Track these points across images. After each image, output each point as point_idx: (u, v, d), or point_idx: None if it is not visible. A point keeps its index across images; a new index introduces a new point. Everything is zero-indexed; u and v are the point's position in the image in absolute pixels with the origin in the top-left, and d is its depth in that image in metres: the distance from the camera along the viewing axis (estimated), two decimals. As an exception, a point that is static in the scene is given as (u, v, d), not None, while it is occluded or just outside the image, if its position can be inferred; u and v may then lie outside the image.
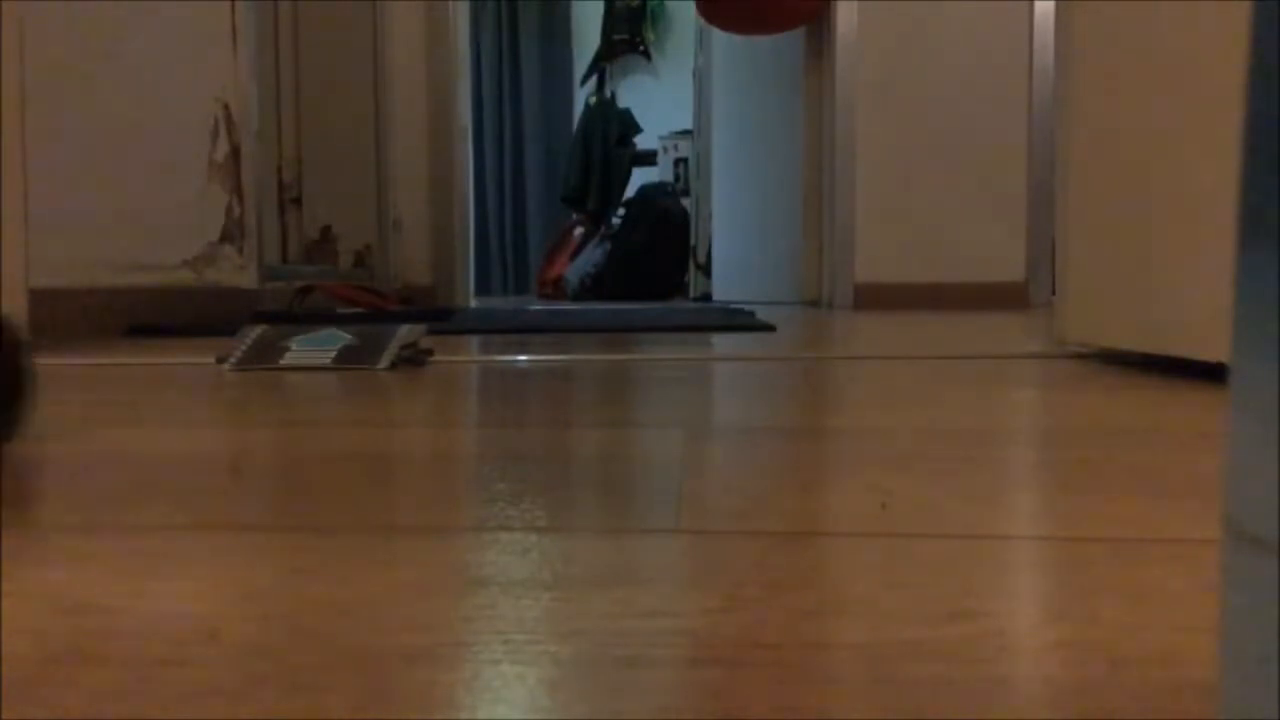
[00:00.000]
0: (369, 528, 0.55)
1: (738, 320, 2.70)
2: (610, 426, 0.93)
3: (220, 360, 1.54)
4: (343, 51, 3.81)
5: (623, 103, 6.71)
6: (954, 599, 0.42)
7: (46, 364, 1.63)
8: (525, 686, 0.33)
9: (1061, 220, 1.56)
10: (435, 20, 3.97)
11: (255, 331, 1.59)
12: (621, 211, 6.13)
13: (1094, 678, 0.33)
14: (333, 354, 1.51)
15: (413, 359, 1.53)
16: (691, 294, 5.53)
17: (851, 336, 2.32)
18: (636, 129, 6.55)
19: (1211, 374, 1.20)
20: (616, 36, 6.96)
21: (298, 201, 3.82)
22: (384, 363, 1.49)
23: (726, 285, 4.92)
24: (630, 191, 6.21)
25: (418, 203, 3.99)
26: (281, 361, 1.51)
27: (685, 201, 5.75)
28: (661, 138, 6.26)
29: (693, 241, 5.52)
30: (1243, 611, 0.18)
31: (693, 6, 4.41)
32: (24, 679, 0.34)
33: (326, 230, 3.87)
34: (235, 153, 2.87)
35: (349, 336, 1.56)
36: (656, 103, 6.68)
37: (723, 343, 2.05)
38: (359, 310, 2.94)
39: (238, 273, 2.88)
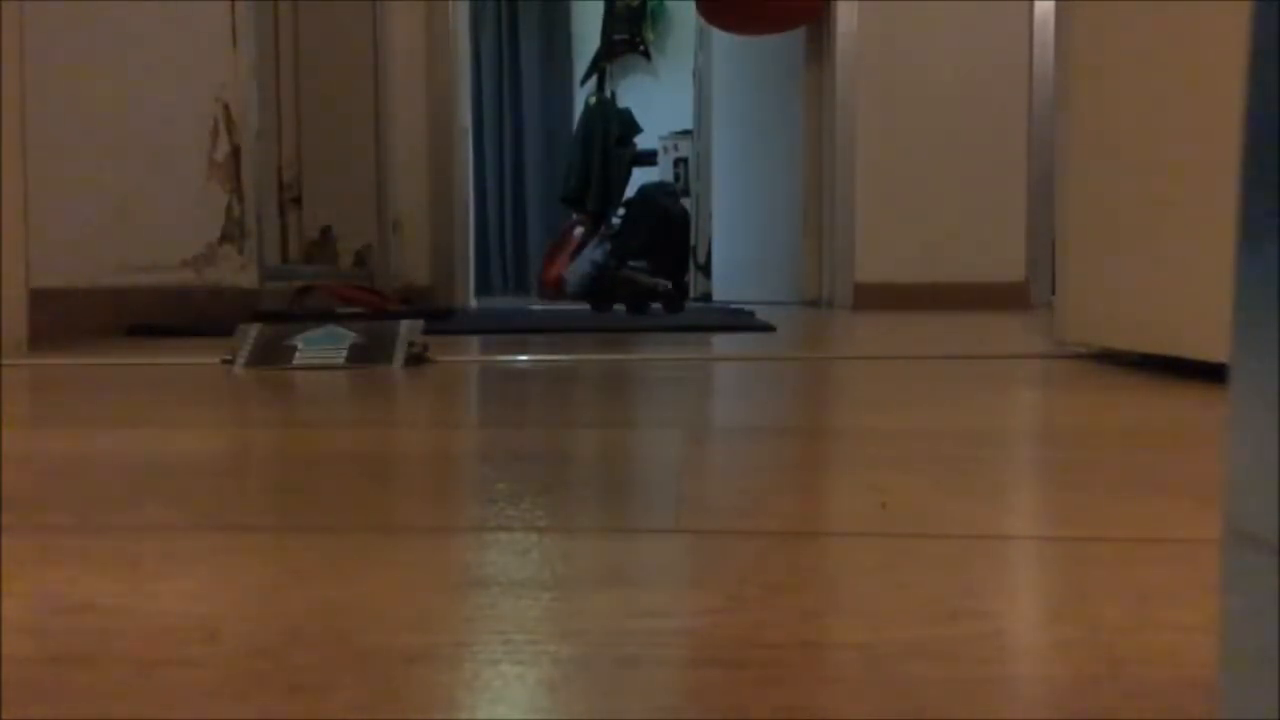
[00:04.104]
0: (369, 528, 0.55)
1: (738, 320, 2.69)
2: (610, 426, 0.93)
3: (226, 361, 1.53)
4: (343, 51, 3.80)
5: (623, 103, 6.70)
6: (954, 599, 0.42)
7: (46, 364, 1.63)
8: (525, 686, 0.33)
9: (1061, 220, 1.56)
10: (435, 20, 3.97)
11: (253, 330, 1.59)
12: (621, 211, 6.12)
13: (1094, 678, 0.33)
14: (344, 353, 1.52)
15: (419, 356, 1.54)
16: (691, 294, 5.52)
17: (851, 336, 2.32)
18: (636, 129, 6.54)
19: (1211, 374, 1.19)
20: (616, 36, 6.95)
21: (298, 201, 3.82)
22: (398, 361, 1.49)
23: (726, 285, 4.92)
24: (630, 191, 6.20)
25: (418, 203, 3.99)
26: (294, 361, 1.51)
27: (685, 201, 5.75)
28: (661, 138, 6.25)
29: (693, 241, 5.52)
30: (1243, 611, 0.18)
31: (693, 6, 4.41)
32: (24, 679, 0.34)
33: (326, 230, 3.86)
34: (235, 153, 2.87)
35: (353, 334, 1.56)
36: (656, 103, 6.67)
37: (723, 343, 2.04)
38: (357, 309, 2.93)
39: (238, 273, 2.88)
